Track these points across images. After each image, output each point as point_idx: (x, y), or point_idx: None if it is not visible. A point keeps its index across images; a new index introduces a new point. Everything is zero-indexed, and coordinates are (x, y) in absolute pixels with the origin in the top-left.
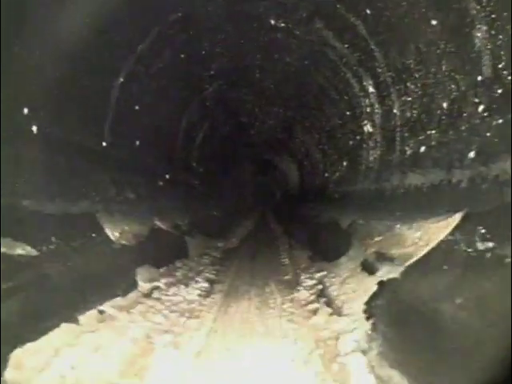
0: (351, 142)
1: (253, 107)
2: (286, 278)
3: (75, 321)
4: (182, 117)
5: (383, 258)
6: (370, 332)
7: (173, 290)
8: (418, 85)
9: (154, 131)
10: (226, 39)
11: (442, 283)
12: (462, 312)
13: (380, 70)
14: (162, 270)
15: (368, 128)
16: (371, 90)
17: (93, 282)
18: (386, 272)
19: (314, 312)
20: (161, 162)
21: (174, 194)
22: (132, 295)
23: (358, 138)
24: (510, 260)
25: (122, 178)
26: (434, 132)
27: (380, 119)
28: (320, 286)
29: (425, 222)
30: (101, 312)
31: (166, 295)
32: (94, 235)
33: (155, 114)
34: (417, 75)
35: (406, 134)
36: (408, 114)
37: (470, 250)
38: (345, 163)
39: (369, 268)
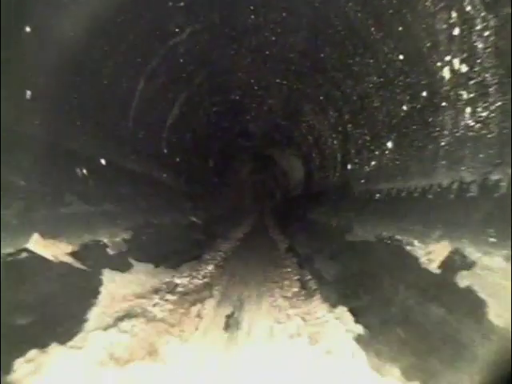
0: (405, 107)
1: (247, 77)
2: None
3: None
4: (139, 72)
5: None
6: None
7: None
8: None
9: (69, 81)
10: None
11: None
12: None
13: None
14: None
15: (455, 67)
16: None
17: None
18: None
19: None
20: (89, 137)
21: (112, 189)
22: None
23: (423, 95)
24: None
25: None
26: None
27: (494, 37)
28: None
29: None
30: None
31: None
32: None
33: (71, 50)
34: None
35: None
36: None
37: None
38: (389, 144)
39: None
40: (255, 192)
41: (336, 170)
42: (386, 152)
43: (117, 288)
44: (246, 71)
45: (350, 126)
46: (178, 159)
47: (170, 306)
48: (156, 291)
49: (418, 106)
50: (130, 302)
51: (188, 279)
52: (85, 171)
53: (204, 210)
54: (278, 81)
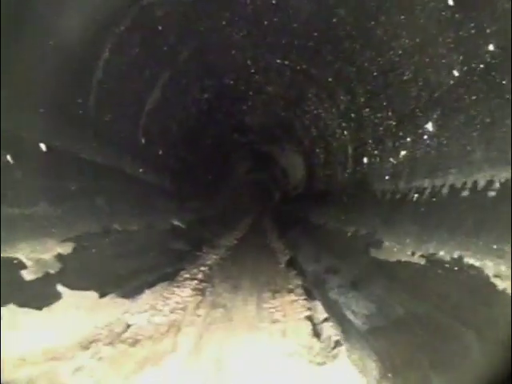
0: (456, 72)
1: (243, 57)
2: None
3: None
4: (101, 36)
5: None
6: None
7: None
8: None
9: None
10: None
11: None
12: None
13: None
14: None
15: None
16: None
17: None
18: None
19: None
20: (19, 110)
21: (54, 184)
22: None
23: (488, 49)
24: None
25: None
26: None
27: None
28: None
29: None
30: None
31: None
32: None
33: None
34: None
35: None
36: None
37: None
38: (429, 126)
39: None
40: (252, 192)
41: (347, 166)
42: (425, 137)
43: (16, 342)
44: (240, 48)
45: (366, 110)
46: (160, 152)
47: (99, 373)
48: (87, 344)
49: (480, 65)
50: (33, 366)
51: (147, 316)
52: (9, 158)
53: (191, 211)
54: (278, 61)
